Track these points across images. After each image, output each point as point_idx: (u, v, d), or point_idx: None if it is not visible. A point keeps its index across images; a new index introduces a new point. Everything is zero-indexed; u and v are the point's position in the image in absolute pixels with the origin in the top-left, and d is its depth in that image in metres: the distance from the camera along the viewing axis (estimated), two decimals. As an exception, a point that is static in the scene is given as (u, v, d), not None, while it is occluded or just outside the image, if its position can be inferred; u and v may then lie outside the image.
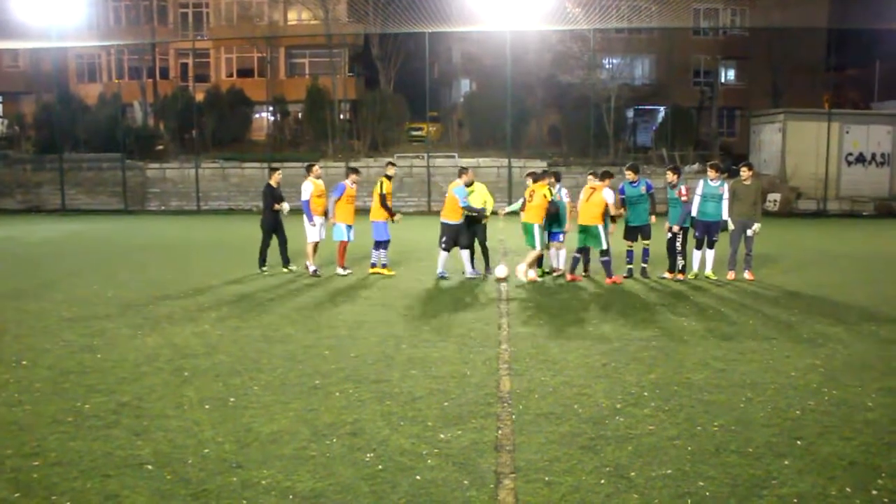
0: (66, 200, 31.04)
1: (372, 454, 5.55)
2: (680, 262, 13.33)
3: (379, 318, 10.23)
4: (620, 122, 36.34)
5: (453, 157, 33.07)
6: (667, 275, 13.37)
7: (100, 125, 34.09)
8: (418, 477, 5.17)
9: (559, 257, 13.73)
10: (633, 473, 5.23)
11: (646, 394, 6.94)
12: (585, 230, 13.03)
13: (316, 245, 14.08)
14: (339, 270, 13.87)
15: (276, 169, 14.93)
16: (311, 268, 13.81)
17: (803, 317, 10.40)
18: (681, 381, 7.32)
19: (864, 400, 6.82)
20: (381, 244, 13.95)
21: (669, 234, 13.28)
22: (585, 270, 13.68)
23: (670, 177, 13.33)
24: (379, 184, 13.80)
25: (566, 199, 13.62)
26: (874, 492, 5.00)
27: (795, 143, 30.10)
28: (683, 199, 13.10)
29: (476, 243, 13.65)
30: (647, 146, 37.36)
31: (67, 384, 7.27)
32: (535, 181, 13.12)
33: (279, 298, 11.57)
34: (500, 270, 13.15)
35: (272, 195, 14.26)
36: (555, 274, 13.67)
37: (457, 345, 8.74)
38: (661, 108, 38.57)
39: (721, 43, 41.60)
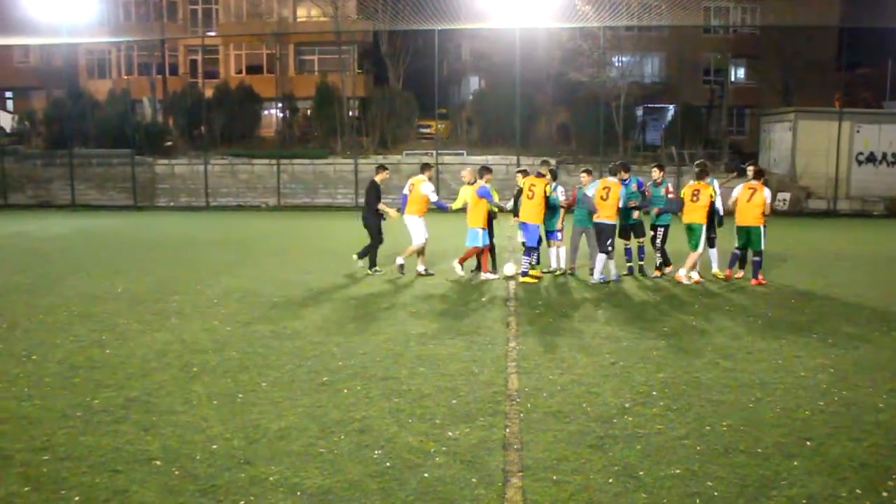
0: (75, 196, 31.14)
1: (380, 451, 5.55)
2: (657, 259, 13.41)
3: (387, 315, 10.24)
4: (630, 121, 36.15)
5: (462, 154, 33.03)
6: (655, 272, 13.40)
7: (110, 121, 34.14)
8: (426, 474, 5.17)
9: (560, 256, 13.66)
10: (641, 473, 5.21)
11: (654, 393, 6.92)
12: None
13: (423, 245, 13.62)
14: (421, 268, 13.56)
15: (384, 167, 14.33)
16: (421, 267, 13.49)
17: (813, 317, 10.35)
18: (690, 381, 7.30)
19: (875, 401, 6.78)
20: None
21: (653, 232, 13.35)
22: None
23: (656, 174, 13.41)
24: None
25: (561, 197, 13.53)
26: (884, 493, 4.97)
27: (806, 142, 29.91)
28: (671, 196, 13.26)
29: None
30: (656, 144, 37.20)
31: (77, 379, 7.30)
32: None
33: (288, 296, 11.58)
34: (509, 268, 13.13)
35: (378, 194, 13.80)
36: (557, 273, 13.61)
37: (465, 343, 8.73)
38: (671, 107, 38.41)
39: (731, 41, 41.34)
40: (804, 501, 4.83)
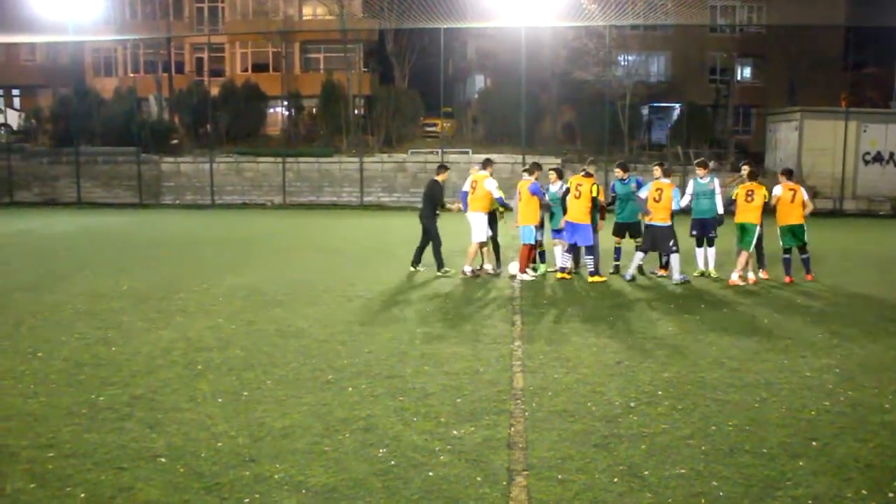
0: (81, 194, 31.20)
1: (385, 450, 5.55)
2: (663, 258, 13.38)
3: (392, 313, 10.24)
4: (635, 120, 36.08)
5: (467, 152, 33.02)
6: (660, 272, 13.40)
7: (115, 119, 34.20)
8: (431, 473, 5.17)
9: (565, 255, 13.61)
10: (646, 472, 5.20)
11: (660, 392, 6.91)
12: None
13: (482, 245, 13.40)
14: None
15: (446, 167, 14.01)
16: (468, 268, 13.25)
17: (819, 316, 10.32)
18: (695, 381, 7.28)
19: (881, 401, 6.76)
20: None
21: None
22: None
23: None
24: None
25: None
26: (890, 494, 4.95)
27: (812, 142, 29.82)
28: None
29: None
30: (661, 144, 37.14)
31: (82, 376, 7.32)
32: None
33: (293, 293, 11.59)
34: (513, 267, 13.12)
35: (441, 194, 13.62)
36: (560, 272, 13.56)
37: (470, 341, 8.73)
38: (677, 106, 38.32)
39: (737, 40, 41.25)
40: (809, 502, 4.82)
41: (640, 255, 13.08)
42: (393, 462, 5.35)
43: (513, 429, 5.98)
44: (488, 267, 13.40)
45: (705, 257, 13.39)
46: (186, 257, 15.80)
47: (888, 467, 5.36)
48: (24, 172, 32.18)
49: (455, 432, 5.89)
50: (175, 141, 35.41)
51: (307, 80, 40.77)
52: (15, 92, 47.27)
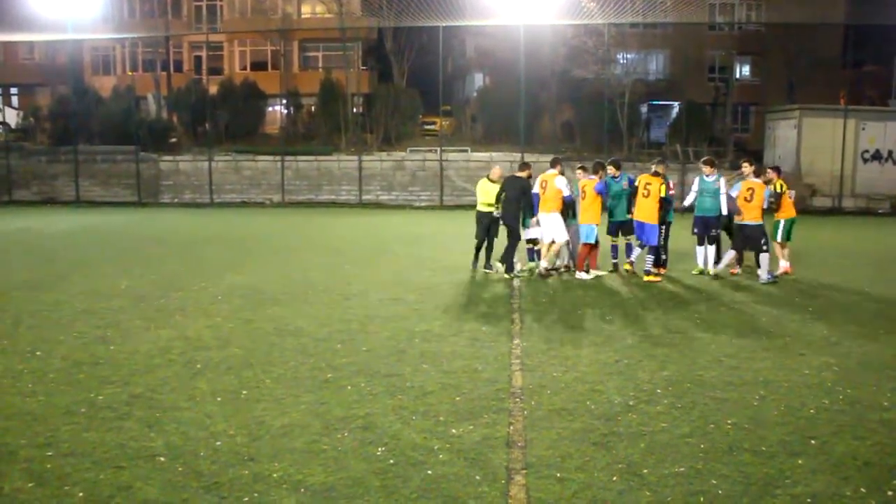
0: (80, 192, 31.17)
1: (383, 448, 5.55)
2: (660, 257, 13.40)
3: (391, 312, 10.23)
4: (634, 118, 36.06)
5: (466, 151, 33.01)
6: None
7: (114, 118, 34.15)
8: (430, 472, 5.17)
9: (563, 253, 13.60)
10: (645, 471, 5.20)
11: (658, 391, 6.91)
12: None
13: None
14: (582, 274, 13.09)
15: (529, 165, 13.44)
16: (544, 263, 13.02)
17: (817, 315, 10.32)
18: (694, 379, 7.29)
19: (880, 399, 6.76)
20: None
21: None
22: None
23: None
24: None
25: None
26: (889, 492, 4.96)
27: (811, 140, 29.80)
28: (671, 192, 13.25)
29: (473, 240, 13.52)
30: (660, 142, 37.13)
31: (81, 375, 7.32)
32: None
33: (291, 292, 11.59)
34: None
35: (530, 191, 12.98)
36: (562, 270, 13.56)
37: (469, 340, 8.73)
38: (676, 104, 38.30)
39: (736, 38, 41.24)
40: (808, 500, 4.82)
41: (731, 253, 13.06)
42: (392, 461, 5.35)
43: (512, 427, 5.98)
44: (544, 264, 13.04)
45: (705, 256, 13.40)
46: (185, 256, 15.78)
47: (887, 465, 5.37)
48: (23, 171, 32.14)
49: (454, 431, 5.89)
50: (174, 139, 35.38)
51: (306, 79, 40.74)
52: (13, 90, 47.21)
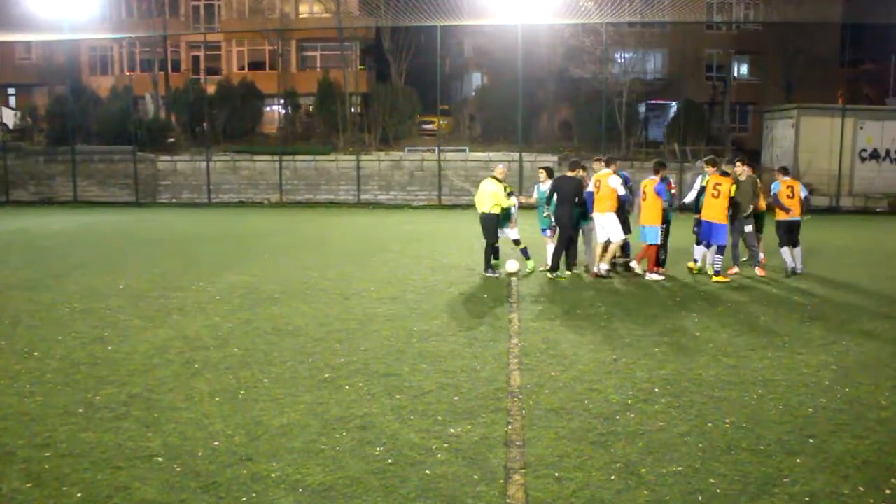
0: (77, 192, 31.17)
1: (382, 448, 5.55)
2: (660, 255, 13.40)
3: (389, 311, 10.23)
4: (632, 117, 36.07)
5: (464, 150, 33.01)
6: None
7: (112, 117, 34.13)
8: (428, 471, 5.17)
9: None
10: (643, 470, 5.20)
11: (657, 390, 6.91)
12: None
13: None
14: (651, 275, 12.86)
15: (578, 163, 13.30)
16: (604, 266, 12.87)
17: (816, 314, 10.33)
18: (692, 378, 7.29)
19: (878, 398, 6.77)
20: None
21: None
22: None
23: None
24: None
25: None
26: (887, 491, 4.96)
27: (809, 139, 29.84)
28: (673, 191, 13.32)
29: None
30: (658, 141, 37.15)
31: (79, 375, 7.31)
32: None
33: (289, 292, 11.58)
34: (511, 265, 13.09)
35: (582, 191, 12.83)
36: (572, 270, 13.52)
37: (467, 339, 8.72)
38: (674, 103, 38.32)
39: (734, 37, 41.29)
40: (807, 499, 4.82)
41: (786, 249, 13.16)
42: (390, 460, 5.34)
43: (510, 427, 5.98)
44: (603, 267, 12.85)
45: (704, 255, 13.40)
46: (183, 256, 15.77)
47: (885, 464, 5.37)
48: (20, 171, 32.14)
49: (452, 430, 5.89)
50: (171, 139, 35.35)
51: (304, 78, 40.73)
52: (11, 90, 47.13)
